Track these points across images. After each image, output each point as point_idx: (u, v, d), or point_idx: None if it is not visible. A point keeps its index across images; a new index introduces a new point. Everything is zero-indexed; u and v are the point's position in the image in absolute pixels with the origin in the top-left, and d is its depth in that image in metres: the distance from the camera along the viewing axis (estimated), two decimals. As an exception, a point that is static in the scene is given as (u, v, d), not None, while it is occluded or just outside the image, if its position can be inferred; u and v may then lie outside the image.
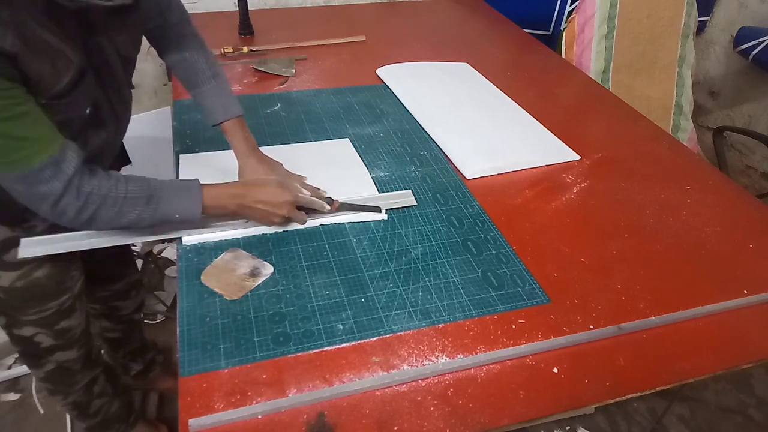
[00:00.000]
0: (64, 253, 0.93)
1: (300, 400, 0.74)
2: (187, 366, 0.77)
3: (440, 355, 0.81)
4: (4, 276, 0.97)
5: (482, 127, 1.38)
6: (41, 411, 1.61)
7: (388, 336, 0.84)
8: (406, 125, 1.38)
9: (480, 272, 0.96)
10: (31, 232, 0.94)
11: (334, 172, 1.16)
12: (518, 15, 2.14)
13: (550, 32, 2.37)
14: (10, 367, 1.71)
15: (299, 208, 1.01)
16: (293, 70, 1.58)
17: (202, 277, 0.90)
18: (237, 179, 1.04)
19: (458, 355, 0.82)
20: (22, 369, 1.70)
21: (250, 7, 1.76)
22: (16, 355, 1.74)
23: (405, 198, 1.11)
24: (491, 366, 0.81)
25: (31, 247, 0.92)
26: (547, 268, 0.98)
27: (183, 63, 1.06)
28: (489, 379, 0.80)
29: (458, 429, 0.73)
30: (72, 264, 1.07)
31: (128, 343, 1.52)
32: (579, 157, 1.30)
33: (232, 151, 1.06)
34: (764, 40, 2.18)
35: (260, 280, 0.90)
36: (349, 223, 1.04)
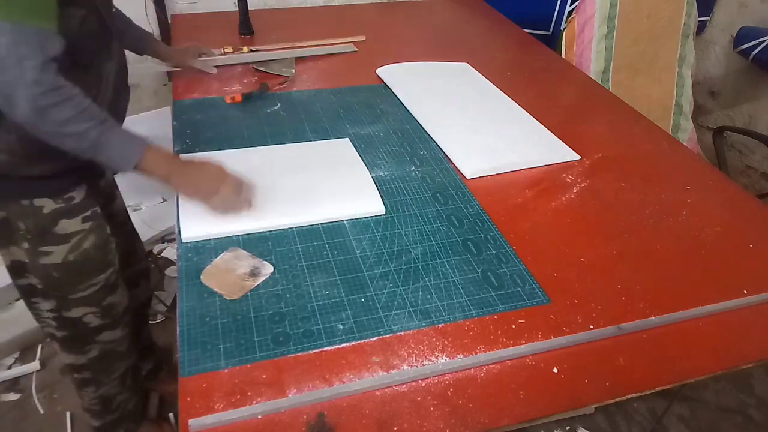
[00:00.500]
0: (103, 224, 1.08)
1: (300, 400, 0.74)
2: (187, 366, 0.77)
3: (440, 355, 0.81)
4: (56, 251, 1.01)
5: (482, 126, 1.38)
6: (41, 411, 1.61)
7: (388, 336, 0.84)
8: (405, 125, 1.38)
9: (480, 272, 0.96)
10: (70, 203, 1.01)
11: (333, 171, 1.16)
12: (518, 15, 2.14)
13: (550, 32, 2.37)
14: (10, 367, 1.71)
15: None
16: (293, 70, 1.58)
17: (201, 277, 0.90)
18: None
19: (458, 355, 0.82)
20: (22, 369, 1.70)
21: (250, 7, 1.76)
22: (16, 355, 1.75)
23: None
24: (491, 366, 0.81)
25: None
26: (547, 268, 0.98)
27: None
28: (489, 379, 0.80)
29: (458, 429, 0.73)
30: (110, 236, 1.12)
31: (139, 339, 1.53)
32: (579, 157, 1.30)
33: (230, 151, 1.13)
34: (764, 40, 2.18)
35: (260, 279, 0.90)
36: (348, 221, 1.04)
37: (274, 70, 1.56)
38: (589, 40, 2.10)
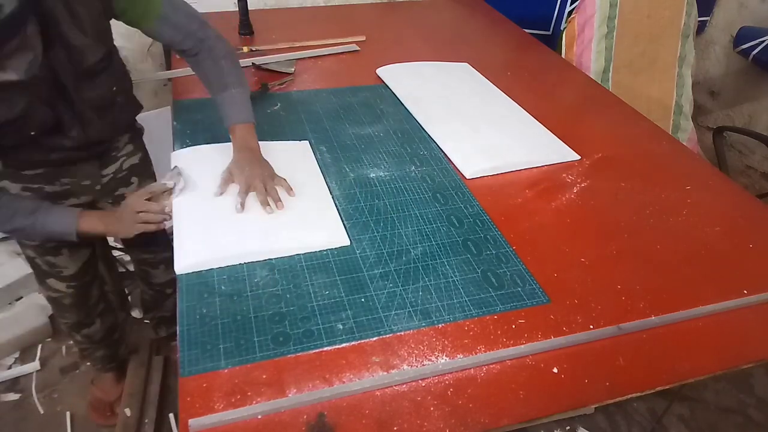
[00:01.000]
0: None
1: (300, 400, 0.74)
2: (187, 366, 0.77)
3: (440, 355, 0.81)
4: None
5: (482, 126, 1.38)
6: (41, 411, 1.61)
7: (388, 336, 0.84)
8: (405, 125, 1.38)
9: (480, 272, 0.96)
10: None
11: (287, 176, 1.09)
12: (518, 15, 2.14)
13: (550, 32, 2.36)
14: (10, 367, 1.71)
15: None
16: (293, 70, 1.58)
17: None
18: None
19: (458, 355, 0.82)
20: (22, 369, 1.70)
21: (250, 7, 1.76)
22: (16, 355, 1.75)
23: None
24: (491, 366, 0.81)
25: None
26: (547, 268, 0.98)
27: (201, 76, 1.17)
28: (489, 379, 0.80)
29: (458, 429, 0.73)
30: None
31: (157, 309, 1.62)
32: (579, 157, 1.30)
33: (221, 144, 1.17)
34: (764, 40, 2.18)
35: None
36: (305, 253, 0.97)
37: (274, 70, 1.56)
38: (589, 40, 2.09)
